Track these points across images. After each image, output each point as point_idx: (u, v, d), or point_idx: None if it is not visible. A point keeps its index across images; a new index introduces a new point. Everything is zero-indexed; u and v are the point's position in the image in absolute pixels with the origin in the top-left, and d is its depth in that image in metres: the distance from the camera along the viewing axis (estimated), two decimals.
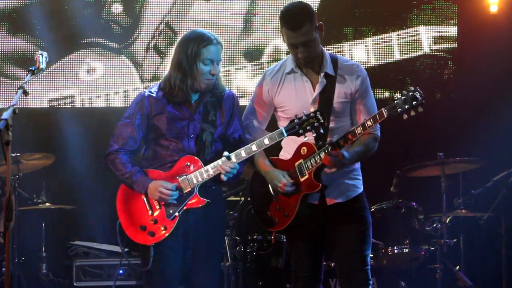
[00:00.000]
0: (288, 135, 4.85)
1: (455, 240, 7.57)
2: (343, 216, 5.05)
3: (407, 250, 7.32)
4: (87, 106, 8.55)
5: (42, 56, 4.64)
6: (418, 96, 4.76)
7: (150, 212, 5.07)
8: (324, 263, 5.21)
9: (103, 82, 8.56)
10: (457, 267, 7.64)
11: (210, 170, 4.98)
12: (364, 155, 5.02)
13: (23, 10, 8.41)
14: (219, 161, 4.95)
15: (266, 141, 4.91)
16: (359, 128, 4.83)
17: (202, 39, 5.04)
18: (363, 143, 5.00)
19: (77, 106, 8.55)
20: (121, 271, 7.62)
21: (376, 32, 8.74)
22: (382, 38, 8.73)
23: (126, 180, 5.08)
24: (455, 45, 8.81)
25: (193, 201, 5.02)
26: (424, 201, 7.61)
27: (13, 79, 8.40)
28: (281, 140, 4.95)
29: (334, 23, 8.59)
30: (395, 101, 4.78)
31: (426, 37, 8.77)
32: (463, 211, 7.63)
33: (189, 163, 5.03)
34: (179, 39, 5.17)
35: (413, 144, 8.51)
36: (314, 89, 5.03)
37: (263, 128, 5.19)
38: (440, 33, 8.79)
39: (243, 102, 8.38)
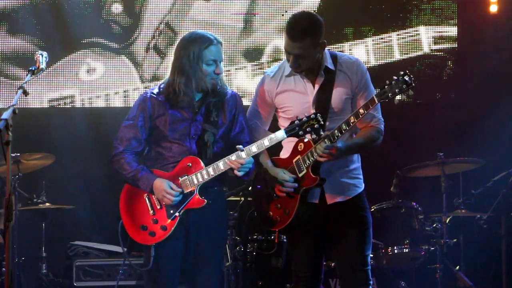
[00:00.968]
0: (288, 136, 4.86)
1: (455, 240, 7.57)
2: (343, 215, 5.05)
3: (407, 250, 7.32)
4: (87, 106, 8.55)
5: (42, 56, 4.64)
6: (407, 79, 4.73)
7: (151, 212, 5.08)
8: (324, 263, 5.21)
9: (103, 82, 8.56)
10: (457, 267, 7.64)
11: (210, 169, 4.98)
12: (364, 146, 5.01)
13: (23, 10, 8.41)
14: (230, 156, 4.95)
15: (266, 142, 4.92)
16: (352, 117, 4.81)
17: (202, 41, 5.04)
18: (364, 135, 5.00)
19: (77, 106, 8.55)
20: (121, 271, 7.61)
21: (376, 32, 8.74)
22: (382, 38, 8.73)
23: (131, 178, 5.08)
24: (455, 45, 8.81)
25: (194, 201, 5.02)
26: (424, 201, 7.62)
27: (13, 79, 8.40)
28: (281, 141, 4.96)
29: (334, 23, 8.59)
30: (385, 87, 4.77)
31: (426, 37, 8.77)
32: (463, 211, 7.63)
33: (190, 164, 5.03)
34: (178, 42, 5.16)
35: (413, 144, 8.51)
36: (314, 87, 5.03)
37: (266, 128, 5.20)
38: (440, 33, 8.79)
39: (243, 102, 8.41)
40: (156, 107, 5.11)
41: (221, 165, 4.96)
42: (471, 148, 8.01)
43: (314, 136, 4.83)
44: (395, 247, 7.33)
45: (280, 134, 4.87)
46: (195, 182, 5.01)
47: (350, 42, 8.68)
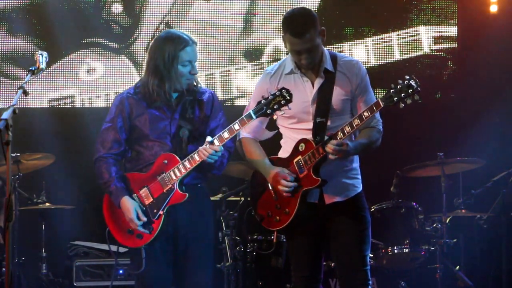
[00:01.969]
0: (257, 117, 4.85)
1: (455, 240, 7.56)
2: (342, 215, 5.04)
3: (407, 250, 7.32)
4: (87, 106, 8.55)
5: (42, 56, 4.64)
6: (413, 84, 4.74)
7: None
8: (324, 263, 5.21)
9: (103, 82, 8.56)
10: (457, 267, 7.64)
11: (186, 162, 4.97)
12: (368, 147, 5.00)
13: (23, 10, 8.41)
14: (200, 147, 4.95)
15: (236, 126, 4.91)
16: (356, 120, 4.81)
17: (178, 42, 5.04)
18: (367, 136, 4.99)
19: (77, 106, 8.55)
20: (121, 271, 7.61)
21: (376, 32, 8.74)
22: (382, 38, 8.73)
23: (104, 188, 5.14)
24: (455, 45, 8.81)
25: (176, 197, 5.02)
26: (424, 201, 7.61)
27: (13, 79, 8.40)
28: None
29: (334, 23, 8.59)
30: (391, 91, 4.76)
31: (426, 37, 8.77)
32: (463, 211, 7.63)
33: (166, 161, 5.04)
34: (152, 41, 5.17)
35: (413, 144, 8.51)
36: (313, 86, 5.02)
37: (263, 127, 5.19)
38: (440, 33, 8.79)
39: (243, 102, 8.46)
40: (134, 107, 5.12)
41: (196, 156, 4.96)
42: (471, 148, 8.00)
43: (282, 112, 4.83)
44: (395, 247, 7.33)
45: (248, 115, 4.86)
46: (174, 177, 5.01)
47: (350, 42, 8.68)
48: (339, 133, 4.83)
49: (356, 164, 5.13)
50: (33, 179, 7.87)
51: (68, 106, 8.54)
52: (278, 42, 8.55)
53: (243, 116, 4.90)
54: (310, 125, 5.00)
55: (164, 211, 5.02)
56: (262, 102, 4.83)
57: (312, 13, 4.99)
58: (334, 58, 5.06)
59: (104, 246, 7.98)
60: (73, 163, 8.33)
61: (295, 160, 4.98)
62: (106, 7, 8.54)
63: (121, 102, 5.14)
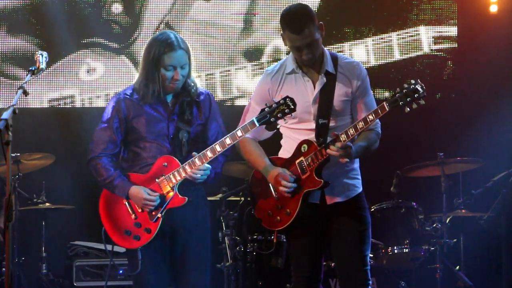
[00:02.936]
0: (260, 125, 4.85)
1: (455, 240, 7.56)
2: (343, 216, 5.04)
3: (407, 250, 7.32)
4: (87, 106, 8.55)
5: (42, 56, 4.64)
6: (419, 88, 4.75)
7: (133, 216, 5.07)
8: (324, 263, 5.20)
9: (103, 82, 8.56)
10: (457, 267, 7.64)
11: (187, 166, 4.97)
12: (368, 150, 5.00)
13: (23, 10, 8.41)
14: (187, 166, 4.95)
15: (239, 133, 4.91)
16: (360, 123, 4.81)
17: (164, 45, 5.03)
18: (367, 138, 4.99)
19: (77, 106, 8.55)
20: (121, 271, 7.61)
21: (376, 32, 8.73)
22: (382, 38, 8.73)
23: (107, 185, 5.10)
24: (455, 45, 8.81)
25: (175, 200, 5.02)
26: (424, 201, 7.61)
27: (13, 79, 8.40)
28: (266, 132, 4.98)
29: (334, 23, 8.59)
30: (397, 95, 4.76)
31: (426, 37, 8.77)
32: (463, 211, 7.63)
33: (166, 163, 5.03)
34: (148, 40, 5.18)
35: (413, 144, 8.51)
36: (314, 87, 5.02)
37: (263, 127, 5.17)
38: (440, 33, 8.79)
39: (243, 102, 8.45)
40: (131, 108, 5.11)
41: (197, 160, 4.96)
42: (471, 148, 8.00)
43: (285, 121, 4.85)
44: (395, 247, 7.33)
45: (252, 123, 4.86)
46: (173, 181, 5.00)
47: (350, 42, 8.68)
48: (343, 135, 4.83)
49: (356, 165, 5.13)
50: (33, 179, 7.87)
51: (68, 106, 8.54)
52: (278, 42, 8.55)
53: (246, 123, 4.89)
54: (311, 125, 5.00)
55: (162, 215, 5.02)
56: (265, 110, 4.83)
57: (309, 8, 4.99)
58: (335, 59, 5.06)
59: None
60: (73, 163, 8.32)
61: (298, 161, 4.98)
62: (106, 7, 8.54)
63: (118, 103, 5.14)
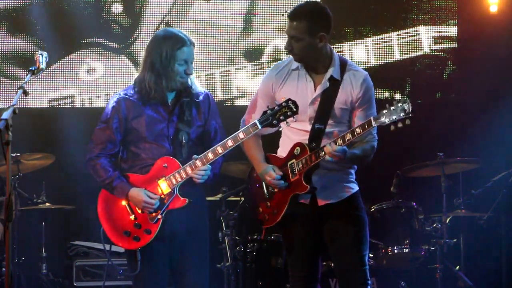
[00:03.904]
0: (262, 127, 4.84)
1: (455, 240, 7.56)
2: (338, 216, 5.02)
3: (407, 250, 7.32)
4: (87, 106, 8.55)
5: (42, 56, 4.64)
6: (407, 108, 4.66)
7: (132, 216, 5.06)
8: (324, 263, 5.21)
9: (103, 82, 8.56)
10: (457, 267, 7.64)
11: (188, 168, 4.97)
12: (361, 160, 4.98)
13: (23, 10, 8.42)
14: (188, 167, 4.95)
15: (241, 135, 4.90)
16: (348, 134, 4.77)
17: (176, 42, 5.04)
18: (362, 150, 4.95)
19: (77, 106, 8.55)
20: (121, 271, 7.61)
21: (376, 32, 8.73)
22: (382, 38, 8.73)
23: (106, 186, 5.10)
24: (455, 45, 8.81)
25: (175, 202, 5.01)
26: (424, 201, 7.61)
27: (13, 79, 8.40)
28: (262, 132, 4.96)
29: (334, 23, 8.54)
30: (384, 111, 4.71)
31: (426, 37, 8.77)
32: (463, 211, 7.63)
33: (166, 165, 5.02)
34: (150, 39, 5.18)
35: (413, 144, 8.50)
36: (315, 89, 5.00)
37: None
38: (440, 33, 8.79)
39: (243, 102, 8.45)
40: (131, 109, 5.10)
41: (198, 162, 4.96)
42: (471, 148, 8.00)
43: (288, 124, 4.84)
44: (395, 247, 7.33)
45: (254, 125, 4.85)
46: (174, 182, 5.00)
47: (350, 42, 8.68)
48: (339, 140, 4.79)
49: (353, 170, 5.11)
50: (33, 179, 7.87)
51: (68, 106, 8.54)
52: (278, 42, 8.54)
53: (248, 125, 4.88)
54: (306, 126, 4.98)
55: (163, 216, 5.01)
56: (268, 112, 4.81)
57: (320, 13, 4.95)
58: (343, 65, 5.01)
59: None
60: (73, 163, 8.32)
61: (289, 163, 4.97)
62: (106, 7, 8.54)
63: (118, 103, 5.13)
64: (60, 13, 8.43)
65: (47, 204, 7.79)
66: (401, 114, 4.68)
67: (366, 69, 5.13)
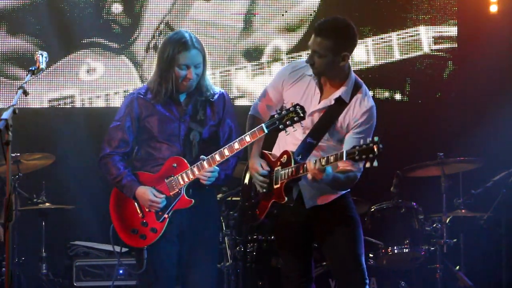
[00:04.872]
0: (269, 131, 4.82)
1: (455, 240, 7.56)
2: (328, 217, 4.99)
3: (407, 250, 7.32)
4: (87, 106, 8.55)
5: (42, 56, 4.64)
6: (376, 150, 4.46)
7: (140, 215, 5.08)
8: (324, 263, 5.19)
9: (103, 82, 8.56)
10: (457, 267, 7.64)
11: (195, 168, 4.98)
12: (340, 184, 4.86)
13: (23, 10, 8.41)
14: (195, 168, 4.95)
15: (248, 138, 4.89)
16: (323, 159, 4.65)
17: (178, 44, 5.03)
18: (345, 175, 4.84)
19: (77, 106, 8.55)
20: (121, 271, 7.62)
21: (376, 32, 8.73)
22: (382, 38, 8.73)
23: (116, 184, 5.11)
24: (455, 45, 8.81)
25: (181, 202, 5.02)
26: (424, 201, 7.61)
27: (13, 79, 8.40)
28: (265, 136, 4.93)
29: None
30: (356, 147, 4.53)
31: (426, 37, 8.77)
32: (463, 211, 7.63)
33: (175, 164, 5.03)
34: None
35: (413, 144, 8.51)
36: (319, 101, 4.94)
37: (270, 113, 5.01)
38: (440, 33, 8.79)
39: (243, 102, 8.45)
40: (144, 108, 5.11)
41: (205, 163, 4.96)
42: (471, 148, 8.00)
43: (295, 129, 4.80)
44: (395, 247, 7.32)
45: (261, 129, 4.83)
46: (181, 182, 5.01)
47: None
48: (323, 160, 4.65)
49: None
50: (33, 179, 7.87)
51: (68, 106, 8.54)
52: (278, 42, 8.54)
53: (255, 129, 4.87)
54: (299, 134, 4.94)
55: (169, 215, 5.02)
56: (275, 116, 4.79)
57: (348, 33, 4.84)
58: (356, 88, 4.93)
59: (104, 246, 7.99)
60: (73, 163, 8.33)
61: (276, 169, 4.94)
62: (106, 7, 8.54)
63: (131, 102, 5.15)
64: (60, 13, 8.43)
65: (47, 204, 7.78)
66: (370, 155, 4.49)
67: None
